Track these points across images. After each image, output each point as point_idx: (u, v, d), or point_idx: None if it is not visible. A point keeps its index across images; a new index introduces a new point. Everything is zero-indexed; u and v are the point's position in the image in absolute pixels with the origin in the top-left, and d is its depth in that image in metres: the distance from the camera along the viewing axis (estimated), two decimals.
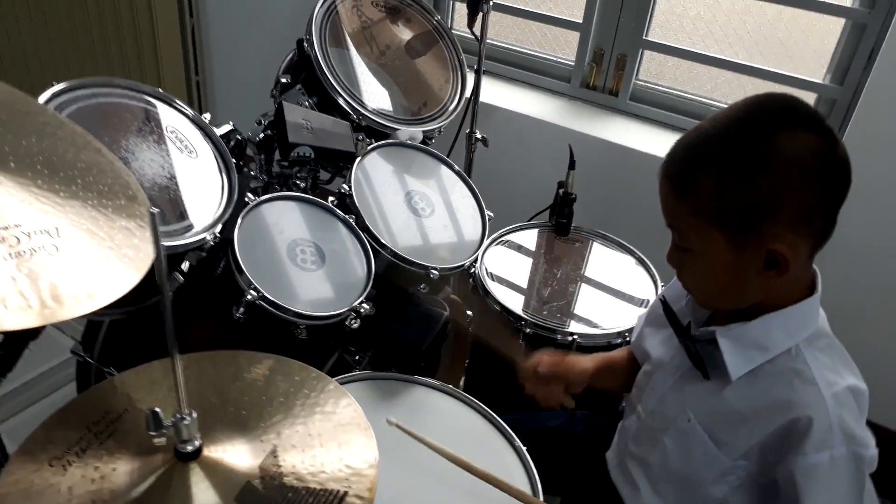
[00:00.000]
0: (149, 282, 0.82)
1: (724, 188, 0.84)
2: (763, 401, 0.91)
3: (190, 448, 0.83)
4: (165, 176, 1.24)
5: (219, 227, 1.22)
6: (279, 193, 1.34)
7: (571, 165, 1.78)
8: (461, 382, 1.96)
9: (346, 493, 0.83)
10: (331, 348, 1.39)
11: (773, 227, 0.84)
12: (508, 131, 2.25)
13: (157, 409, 0.79)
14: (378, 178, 1.49)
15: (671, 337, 1.03)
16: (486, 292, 1.53)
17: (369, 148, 1.49)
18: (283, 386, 0.97)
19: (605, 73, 2.25)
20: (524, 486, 1.13)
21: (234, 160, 1.38)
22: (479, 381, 1.92)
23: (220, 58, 2.81)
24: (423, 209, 1.50)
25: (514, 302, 1.53)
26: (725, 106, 0.90)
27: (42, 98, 1.09)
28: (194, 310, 1.35)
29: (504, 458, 1.18)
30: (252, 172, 1.52)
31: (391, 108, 1.67)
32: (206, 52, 2.80)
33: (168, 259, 1.23)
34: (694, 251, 0.90)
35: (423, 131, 1.62)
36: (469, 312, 1.78)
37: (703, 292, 0.96)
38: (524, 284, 1.61)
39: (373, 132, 1.58)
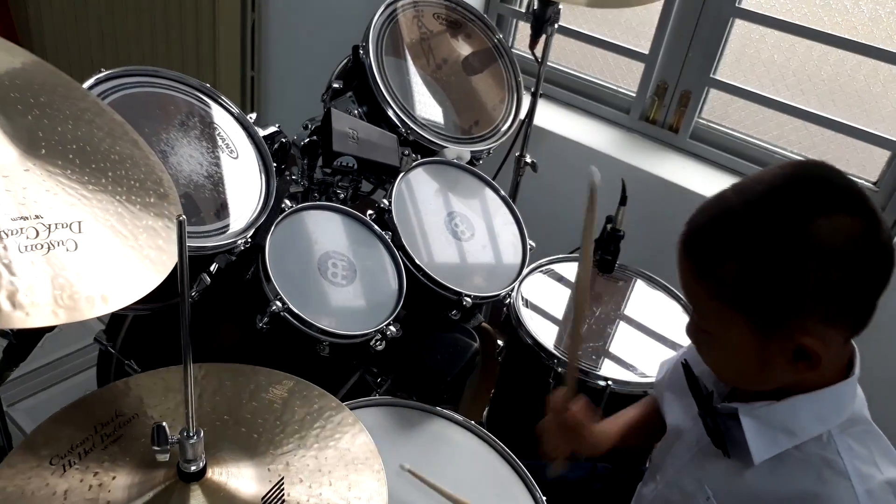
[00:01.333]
0: (175, 280, 0.80)
1: (750, 276, 0.76)
2: (788, 490, 0.83)
3: (193, 468, 0.78)
4: (203, 174, 1.20)
5: (251, 232, 1.18)
6: (318, 203, 1.30)
7: (623, 201, 1.71)
8: (485, 413, 1.89)
9: None
10: (353, 367, 1.34)
11: (803, 322, 0.76)
12: (560, 158, 2.19)
13: (164, 424, 0.74)
14: (420, 196, 1.43)
15: (693, 405, 0.95)
16: (520, 323, 1.46)
17: (414, 164, 1.44)
18: (300, 412, 0.92)
19: (666, 108, 2.17)
20: None
21: (275, 163, 1.34)
22: (502, 414, 1.86)
23: (277, 56, 2.81)
24: (463, 232, 1.44)
25: (547, 335, 1.45)
26: (787, 157, 0.82)
27: (87, 83, 1.06)
28: (221, 313, 1.31)
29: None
30: (293, 177, 1.48)
31: (442, 124, 1.62)
32: (263, 49, 2.79)
33: (196, 260, 1.19)
34: (712, 334, 0.83)
35: (472, 151, 1.57)
36: (500, 342, 1.72)
37: (722, 371, 0.89)
38: (559, 317, 1.54)
39: (420, 147, 1.53)
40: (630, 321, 1.57)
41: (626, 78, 2.27)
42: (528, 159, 1.96)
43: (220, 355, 1.42)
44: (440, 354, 1.28)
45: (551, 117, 2.25)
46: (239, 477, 0.81)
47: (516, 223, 1.53)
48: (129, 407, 0.88)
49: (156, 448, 0.74)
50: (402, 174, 1.41)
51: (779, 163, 0.81)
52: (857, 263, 0.73)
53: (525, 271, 1.61)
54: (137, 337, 1.49)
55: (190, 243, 1.13)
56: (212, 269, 1.22)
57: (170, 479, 0.78)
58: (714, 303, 0.79)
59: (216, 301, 1.32)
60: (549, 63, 2.32)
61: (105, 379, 1.63)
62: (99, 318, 1.52)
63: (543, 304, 1.56)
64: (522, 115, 1.83)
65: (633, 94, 2.21)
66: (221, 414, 0.89)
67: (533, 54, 1.81)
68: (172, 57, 2.74)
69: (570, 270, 1.67)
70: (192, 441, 0.75)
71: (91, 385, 1.69)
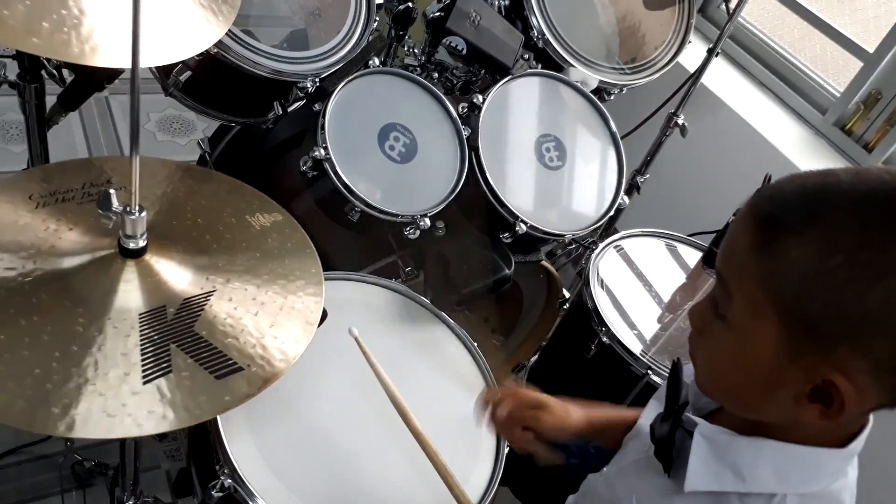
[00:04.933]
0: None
1: (822, 272, 0.58)
2: None
3: (132, 245, 0.79)
4: (309, 7, 1.19)
5: (323, 75, 1.15)
6: (407, 73, 1.24)
7: None
8: (530, 361, 1.81)
9: (239, 369, 0.76)
10: (389, 248, 1.31)
11: (852, 357, 0.58)
12: (719, 133, 1.95)
13: (111, 191, 0.76)
14: (520, 105, 1.33)
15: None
16: (587, 286, 1.34)
17: (528, 71, 1.34)
18: (270, 245, 0.91)
19: (870, 122, 1.85)
20: (475, 492, 1.00)
21: (393, 25, 1.30)
22: (547, 369, 1.77)
23: None
24: (552, 159, 1.33)
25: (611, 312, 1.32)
26: None
27: None
28: (287, 146, 1.33)
29: (476, 450, 1.05)
30: (413, 49, 1.43)
31: (594, 45, 1.48)
32: None
33: (276, 84, 1.20)
34: (729, 323, 0.66)
35: (601, 82, 1.42)
36: (566, 293, 1.62)
37: (710, 376, 0.72)
38: (646, 299, 1.40)
39: (546, 59, 1.42)
40: None
41: (837, 74, 1.95)
42: (681, 121, 1.76)
43: (273, 187, 1.46)
44: (467, 266, 1.21)
45: (729, 85, 2.00)
46: (176, 272, 0.82)
47: (618, 172, 1.39)
48: (124, 180, 0.91)
49: (100, 211, 0.76)
50: (510, 77, 1.32)
51: None
52: None
53: (615, 238, 1.48)
54: (231, 151, 1.56)
55: (253, 58, 1.13)
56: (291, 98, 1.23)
57: (110, 248, 0.80)
58: (752, 285, 0.62)
59: (285, 133, 1.34)
60: (751, 27, 2.06)
61: None
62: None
63: (618, 275, 1.42)
64: (687, 67, 1.64)
65: (838, 95, 1.90)
66: (197, 215, 0.90)
67: (726, 4, 1.59)
68: None
69: (682, 253, 1.51)
70: (132, 217, 0.76)
71: None
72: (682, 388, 0.79)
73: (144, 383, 0.72)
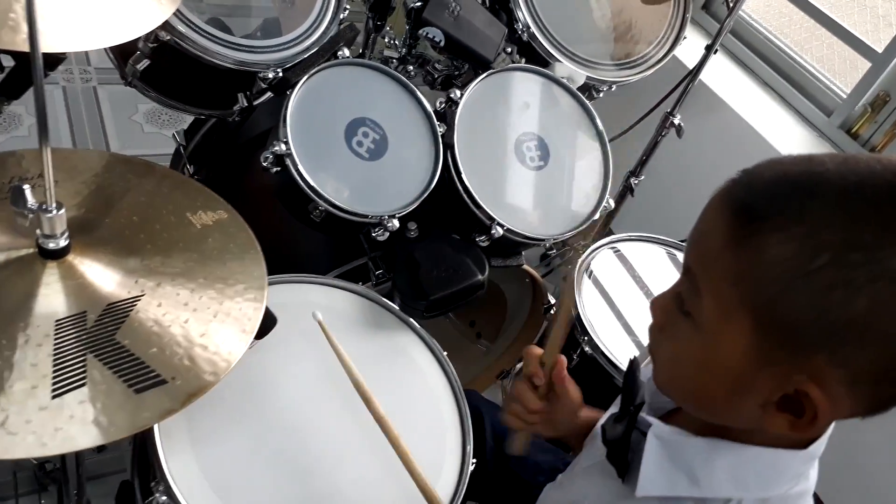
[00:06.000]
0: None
1: (804, 273, 0.50)
2: None
3: (51, 245, 0.73)
4: None
5: (287, 65, 1.09)
6: (380, 66, 1.18)
7: None
8: (516, 367, 1.75)
9: (162, 382, 0.70)
10: (358, 250, 1.25)
11: (829, 366, 0.51)
12: (719, 133, 1.88)
13: (25, 187, 0.69)
14: (500, 101, 1.26)
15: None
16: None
17: (510, 66, 1.27)
18: (210, 246, 0.84)
19: (877, 125, 1.76)
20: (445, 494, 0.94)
21: (371, 13, 1.23)
22: None
23: None
24: (533, 158, 1.26)
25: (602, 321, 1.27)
26: None
27: None
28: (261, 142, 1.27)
29: (440, 465, 0.98)
30: (394, 41, 1.37)
31: (584, 39, 1.40)
32: None
33: (237, 75, 1.14)
34: (696, 321, 0.58)
35: (589, 78, 1.35)
36: (551, 298, 1.55)
37: (670, 376, 0.64)
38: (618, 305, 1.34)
39: (532, 53, 1.34)
40: None
41: (844, 75, 1.86)
42: (677, 121, 1.69)
43: (245, 184, 1.39)
44: (437, 270, 1.14)
45: (730, 84, 1.92)
46: (102, 274, 0.76)
47: (604, 173, 1.32)
48: (57, 174, 0.85)
49: (13, 209, 0.70)
50: (490, 71, 1.25)
51: None
52: None
53: (602, 241, 1.41)
54: (204, 146, 1.50)
55: (215, 49, 1.07)
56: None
57: (29, 248, 0.74)
58: (728, 286, 0.55)
59: (259, 127, 1.27)
60: (756, 24, 1.97)
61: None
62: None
63: (608, 282, 1.35)
64: (688, 64, 1.56)
65: (844, 96, 1.82)
66: (133, 213, 0.84)
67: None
68: None
69: (646, 252, 1.44)
70: (48, 215, 0.70)
71: None
72: (638, 387, 0.73)
73: (53, 397, 0.66)
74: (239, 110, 1.16)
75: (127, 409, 0.67)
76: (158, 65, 1.11)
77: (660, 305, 0.63)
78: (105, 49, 1.15)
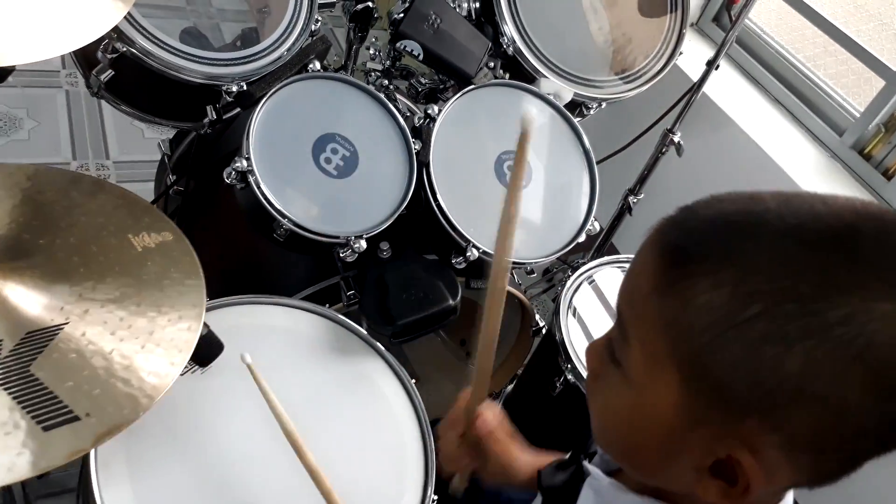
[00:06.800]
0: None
1: (734, 324, 0.44)
2: None
3: None
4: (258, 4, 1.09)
5: (251, 79, 1.05)
6: (355, 81, 1.13)
7: None
8: (506, 389, 1.70)
9: (74, 419, 0.66)
10: (329, 270, 1.20)
11: (762, 430, 0.46)
12: (721, 150, 1.80)
13: None
14: (481, 119, 1.21)
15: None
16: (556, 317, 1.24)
17: (492, 81, 1.22)
18: (149, 271, 0.80)
19: (891, 146, 1.68)
20: None
21: (352, 24, 1.19)
22: (522, 401, 1.66)
23: None
24: None
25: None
26: None
27: None
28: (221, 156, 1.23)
29: (401, 491, 0.94)
30: (378, 52, 1.32)
31: (576, 54, 1.35)
32: None
33: (206, 90, 1.10)
34: (625, 371, 0.53)
35: (577, 94, 1.29)
36: (540, 321, 1.49)
37: (603, 428, 0.58)
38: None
39: (517, 68, 1.29)
40: None
41: (857, 92, 1.78)
42: (677, 138, 1.62)
43: (220, 200, 1.36)
44: (407, 294, 1.09)
45: (738, 100, 1.85)
46: (26, 299, 0.72)
47: (590, 194, 1.26)
48: None
49: None
50: (471, 87, 1.20)
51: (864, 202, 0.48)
52: (889, 390, 0.43)
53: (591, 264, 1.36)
54: (188, 156, 1.47)
55: (172, 60, 1.03)
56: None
57: None
58: (655, 335, 0.49)
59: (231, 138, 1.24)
60: (767, 38, 1.90)
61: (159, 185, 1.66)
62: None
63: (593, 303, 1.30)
64: (690, 77, 1.50)
65: (857, 115, 1.73)
66: (71, 233, 0.80)
67: (728, 12, 1.45)
68: None
69: None
70: None
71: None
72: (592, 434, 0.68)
73: None
74: (209, 123, 1.12)
75: (32, 448, 0.63)
76: (124, 76, 1.08)
77: (594, 351, 0.58)
78: (72, 57, 1.12)
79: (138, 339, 0.73)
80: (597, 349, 0.57)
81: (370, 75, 1.32)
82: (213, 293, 1.37)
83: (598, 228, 1.23)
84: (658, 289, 0.49)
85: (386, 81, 1.24)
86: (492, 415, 0.83)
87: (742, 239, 0.46)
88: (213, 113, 1.11)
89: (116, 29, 0.95)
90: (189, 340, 0.75)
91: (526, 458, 0.85)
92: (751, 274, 0.44)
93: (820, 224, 0.45)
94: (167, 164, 1.52)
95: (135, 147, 2.29)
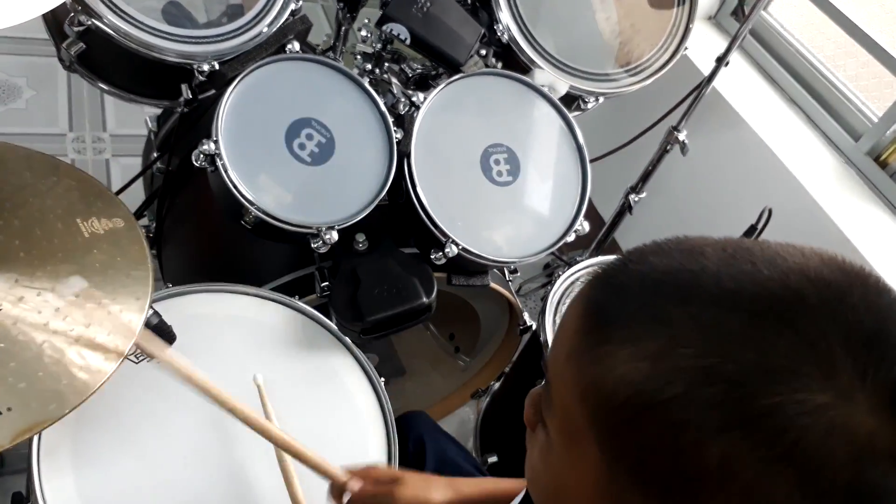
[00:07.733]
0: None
1: (652, 403, 0.39)
2: None
3: None
4: None
5: (224, 58, 1.01)
6: (335, 64, 1.08)
7: (750, 232, 1.30)
8: (493, 387, 1.66)
9: None
10: (304, 260, 1.16)
11: None
12: (729, 150, 1.73)
13: None
14: (468, 109, 1.16)
15: None
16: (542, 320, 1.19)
17: (483, 70, 1.16)
18: (96, 258, 0.76)
19: None
20: None
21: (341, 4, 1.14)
22: (506, 403, 1.62)
23: None
24: (500, 173, 1.15)
25: None
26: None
27: None
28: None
29: None
30: (367, 35, 1.27)
31: (578, 46, 1.29)
32: None
33: (180, 68, 1.06)
34: (549, 435, 0.48)
35: (573, 87, 1.23)
36: (528, 320, 1.45)
37: (533, 488, 0.54)
38: None
39: (511, 57, 1.23)
40: None
41: (878, 96, 1.70)
42: (682, 137, 1.55)
43: (198, 182, 1.32)
44: (379, 289, 1.05)
45: (751, 98, 1.77)
46: None
47: (580, 193, 1.20)
48: None
49: None
50: (460, 75, 1.14)
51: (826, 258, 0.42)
52: (814, 492, 0.37)
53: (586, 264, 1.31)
54: (171, 135, 1.44)
55: (138, 35, 0.99)
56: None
57: None
58: (573, 402, 0.44)
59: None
60: (787, 34, 1.82)
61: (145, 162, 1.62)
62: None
63: None
64: (702, 71, 1.43)
65: (875, 120, 1.65)
66: (15, 216, 0.77)
67: (741, 7, 1.38)
68: None
69: None
70: None
71: None
72: None
73: None
74: (184, 102, 1.08)
75: None
76: (95, 51, 1.04)
77: (531, 402, 0.52)
78: (45, 27, 1.08)
79: (73, 332, 0.69)
80: (533, 399, 0.52)
81: (357, 58, 1.27)
82: (187, 276, 1.35)
83: (587, 229, 1.18)
84: (577, 350, 0.44)
85: (371, 66, 1.19)
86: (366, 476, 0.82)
87: (670, 304, 0.40)
88: (189, 92, 1.07)
89: (81, 1, 0.91)
90: (128, 336, 0.71)
91: (439, 485, 0.83)
92: (674, 347, 0.39)
93: (760, 290, 0.39)
94: (153, 141, 1.48)
95: (134, 121, 2.25)
